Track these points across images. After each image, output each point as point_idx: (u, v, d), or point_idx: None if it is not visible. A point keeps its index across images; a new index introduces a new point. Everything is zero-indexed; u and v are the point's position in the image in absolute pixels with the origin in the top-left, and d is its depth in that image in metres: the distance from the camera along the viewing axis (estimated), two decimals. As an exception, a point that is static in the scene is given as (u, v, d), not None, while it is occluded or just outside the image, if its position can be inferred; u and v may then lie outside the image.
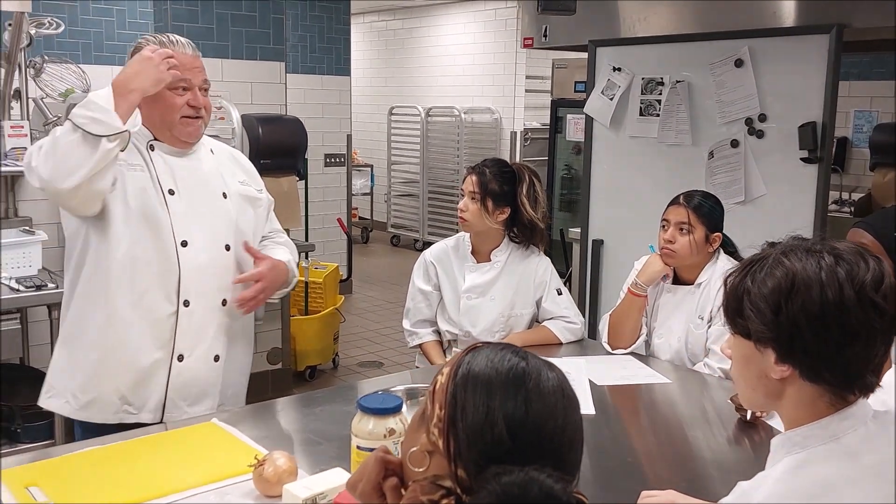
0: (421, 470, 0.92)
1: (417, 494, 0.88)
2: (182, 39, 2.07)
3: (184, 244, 2.00)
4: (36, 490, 1.54)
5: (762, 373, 1.16)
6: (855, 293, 1.08)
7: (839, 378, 1.12)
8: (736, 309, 1.18)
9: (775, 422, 1.99)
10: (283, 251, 2.24)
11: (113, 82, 1.89)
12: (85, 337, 2.01)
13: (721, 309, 2.38)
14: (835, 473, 1.10)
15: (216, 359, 2.09)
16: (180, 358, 2.02)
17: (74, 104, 3.70)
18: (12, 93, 3.73)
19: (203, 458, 1.70)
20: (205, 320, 2.05)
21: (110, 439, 1.81)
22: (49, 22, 4.06)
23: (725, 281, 1.21)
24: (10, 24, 3.65)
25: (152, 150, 2.04)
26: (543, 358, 0.96)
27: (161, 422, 2.02)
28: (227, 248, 2.09)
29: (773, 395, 1.18)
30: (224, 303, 2.09)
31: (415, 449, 0.94)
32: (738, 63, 3.25)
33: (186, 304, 2.01)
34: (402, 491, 0.97)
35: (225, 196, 2.11)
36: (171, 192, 2.02)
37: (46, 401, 2.08)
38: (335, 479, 1.49)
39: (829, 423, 1.13)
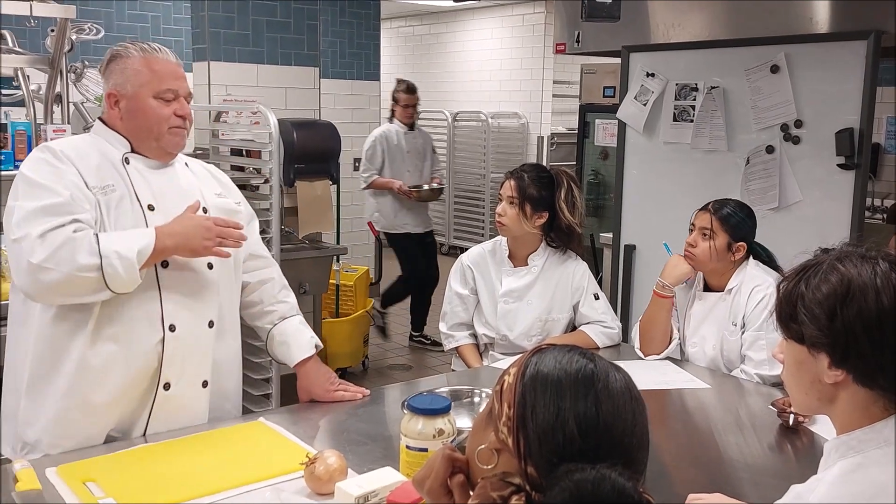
0: (489, 467, 0.95)
1: (487, 490, 0.90)
2: (164, 48, 1.95)
3: (164, 265, 1.86)
4: (93, 485, 1.58)
5: (815, 377, 1.18)
6: None
7: (894, 383, 1.13)
8: (789, 314, 1.19)
9: (817, 427, 2.00)
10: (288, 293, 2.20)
11: (159, 233, 1.80)
12: (58, 381, 1.81)
13: (752, 314, 2.41)
14: (889, 477, 1.11)
15: (204, 384, 1.96)
16: (166, 386, 1.88)
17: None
18: (54, 97, 3.82)
19: (255, 456, 1.73)
20: (191, 344, 1.91)
21: (160, 437, 1.85)
22: (89, 28, 4.14)
23: (778, 286, 1.23)
24: (52, 31, 3.73)
25: (128, 164, 1.90)
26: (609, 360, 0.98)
27: None
28: (210, 266, 1.95)
29: (825, 400, 1.19)
30: (211, 324, 1.95)
31: (483, 447, 0.96)
32: (774, 69, 3.25)
33: (172, 328, 1.87)
34: (469, 490, 0.99)
35: (205, 211, 1.96)
36: (151, 208, 1.88)
37: (23, 458, 1.74)
38: (386, 477, 1.52)
39: (884, 428, 1.14)
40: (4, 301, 2.65)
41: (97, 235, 1.76)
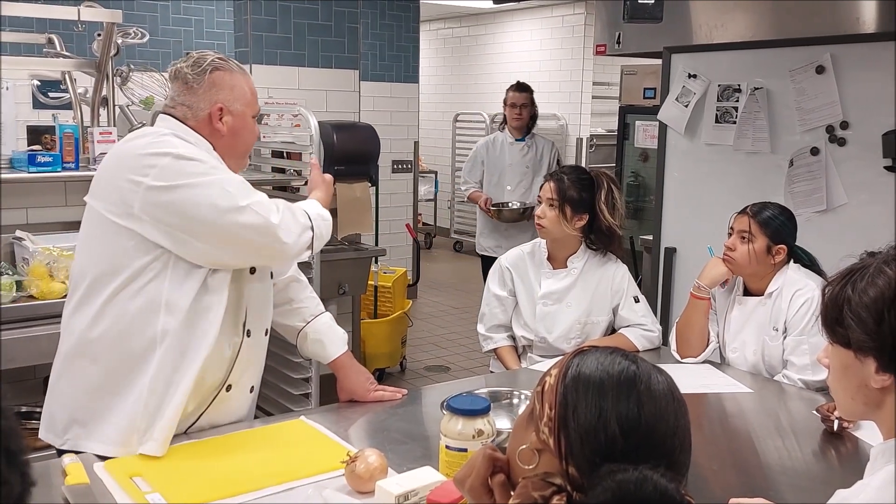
0: (530, 467, 0.95)
1: (529, 490, 0.90)
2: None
3: (252, 271, 1.91)
4: (140, 480, 1.62)
5: (862, 382, 1.16)
6: None
7: (943, 388, 1.11)
8: (835, 318, 1.17)
9: (861, 433, 1.96)
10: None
11: (319, 200, 2.03)
12: (185, 376, 1.78)
13: (794, 319, 2.38)
14: (938, 484, 1.09)
15: (251, 390, 2.00)
16: (228, 387, 1.90)
17: (159, 112, 3.87)
18: (100, 100, 3.90)
19: (297, 454, 1.76)
20: (257, 349, 1.98)
21: (203, 434, 1.88)
22: (135, 32, 4.22)
23: (824, 290, 1.21)
24: (99, 35, 3.81)
25: None
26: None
27: None
28: (271, 275, 2.04)
29: (872, 405, 1.17)
30: (266, 332, 2.02)
31: (524, 447, 0.96)
32: (820, 69, 3.20)
33: (249, 333, 1.92)
34: (510, 490, 0.99)
35: None
36: None
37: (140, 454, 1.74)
38: (426, 477, 1.53)
39: (932, 433, 1.12)
40: (51, 300, 2.78)
41: None
